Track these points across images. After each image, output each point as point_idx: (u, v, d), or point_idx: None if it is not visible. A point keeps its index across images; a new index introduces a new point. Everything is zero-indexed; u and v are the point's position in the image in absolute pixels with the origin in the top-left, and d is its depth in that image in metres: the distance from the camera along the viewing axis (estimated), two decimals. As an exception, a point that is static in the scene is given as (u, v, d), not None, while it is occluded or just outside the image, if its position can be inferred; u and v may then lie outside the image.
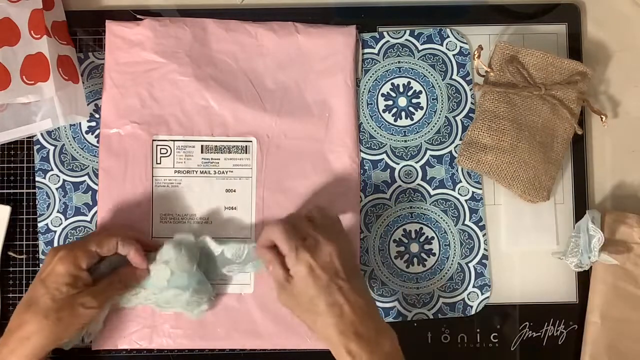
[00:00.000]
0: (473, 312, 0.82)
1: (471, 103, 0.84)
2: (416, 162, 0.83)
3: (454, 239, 0.83)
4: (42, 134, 0.82)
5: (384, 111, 0.84)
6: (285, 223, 0.73)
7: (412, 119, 0.84)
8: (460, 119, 0.84)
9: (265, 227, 0.74)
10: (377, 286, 0.82)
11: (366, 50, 0.84)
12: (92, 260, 0.74)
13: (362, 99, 0.84)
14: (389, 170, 0.83)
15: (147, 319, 0.81)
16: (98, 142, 0.82)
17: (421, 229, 0.83)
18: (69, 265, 0.72)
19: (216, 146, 0.82)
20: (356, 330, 0.68)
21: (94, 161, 0.82)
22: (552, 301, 0.82)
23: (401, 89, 0.84)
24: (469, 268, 0.82)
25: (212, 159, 0.82)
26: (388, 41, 0.84)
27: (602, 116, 0.82)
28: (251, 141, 0.83)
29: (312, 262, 0.70)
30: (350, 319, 0.69)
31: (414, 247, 0.83)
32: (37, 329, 0.71)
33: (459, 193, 0.83)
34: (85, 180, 0.82)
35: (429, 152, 0.83)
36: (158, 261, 0.77)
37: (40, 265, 0.81)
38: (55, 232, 0.82)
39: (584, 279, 0.82)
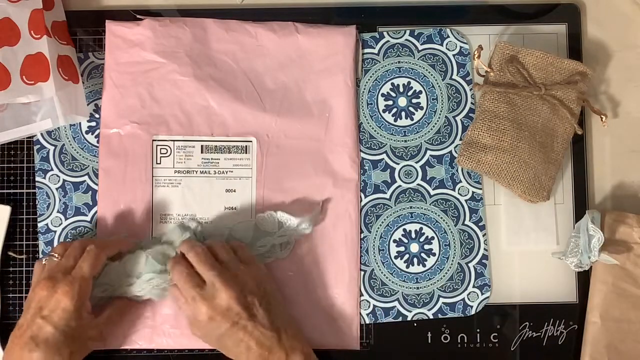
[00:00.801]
0: (473, 312, 0.82)
1: (471, 103, 0.84)
2: (416, 162, 0.83)
3: (454, 239, 0.83)
4: (42, 134, 0.82)
5: (384, 111, 0.84)
6: (184, 267, 0.74)
7: (412, 119, 0.84)
8: (460, 119, 0.84)
9: (169, 261, 0.76)
10: (377, 286, 0.82)
11: (366, 50, 0.84)
12: (90, 286, 0.74)
13: (362, 99, 0.84)
14: (389, 170, 0.83)
15: (147, 319, 0.81)
16: (98, 142, 0.82)
17: (421, 229, 0.83)
18: (76, 300, 0.71)
19: (216, 146, 0.82)
20: (265, 358, 0.72)
21: (94, 161, 0.82)
22: (552, 301, 0.82)
23: (401, 89, 0.84)
24: (469, 268, 0.82)
25: (212, 159, 0.82)
26: (388, 41, 0.84)
27: (602, 116, 0.82)
28: (251, 141, 0.83)
29: (210, 312, 0.73)
30: (257, 352, 0.72)
31: (414, 247, 0.83)
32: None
33: (459, 193, 0.83)
34: (85, 180, 0.82)
35: (429, 152, 0.83)
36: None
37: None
38: (55, 232, 0.82)
39: (584, 279, 0.82)
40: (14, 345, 0.71)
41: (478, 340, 0.82)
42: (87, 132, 0.83)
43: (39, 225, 0.82)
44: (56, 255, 0.75)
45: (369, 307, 0.82)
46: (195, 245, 0.76)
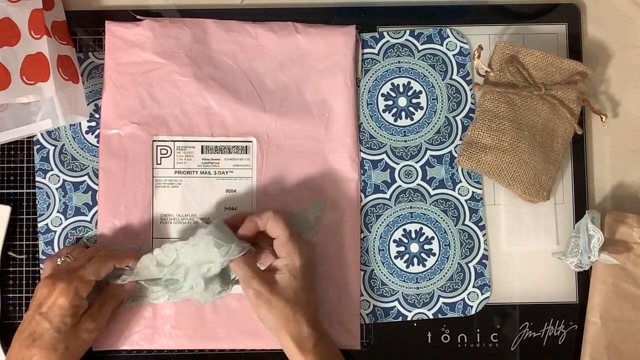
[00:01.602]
0: (473, 312, 0.82)
1: (471, 103, 0.84)
2: (416, 162, 0.83)
3: (454, 239, 0.83)
4: (42, 134, 0.82)
5: (384, 111, 0.84)
6: (278, 213, 0.76)
7: (412, 119, 0.84)
8: (460, 119, 0.84)
9: (251, 216, 0.76)
10: (377, 286, 0.82)
11: (366, 50, 0.84)
12: (90, 288, 0.74)
13: (362, 99, 0.84)
14: (389, 170, 0.83)
15: (148, 319, 0.81)
16: (98, 142, 0.82)
17: (421, 229, 0.83)
18: (72, 297, 0.72)
19: (216, 146, 0.82)
20: (317, 323, 0.76)
21: (94, 161, 0.82)
22: (552, 301, 0.82)
23: (401, 89, 0.84)
24: (469, 268, 0.82)
25: (212, 159, 0.82)
26: (388, 41, 0.84)
27: (602, 116, 0.82)
28: (251, 141, 0.83)
29: (310, 255, 0.76)
30: (313, 314, 0.76)
31: (414, 247, 0.83)
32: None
33: (459, 193, 0.83)
34: (85, 180, 0.82)
35: (429, 152, 0.83)
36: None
37: (41, 265, 0.81)
38: (55, 232, 0.82)
39: (584, 279, 0.82)
40: (15, 341, 0.73)
41: (478, 340, 0.82)
42: (87, 132, 0.83)
43: (39, 225, 0.82)
44: (71, 257, 0.76)
45: (369, 307, 0.82)
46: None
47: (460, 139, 0.83)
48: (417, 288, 0.82)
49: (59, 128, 0.82)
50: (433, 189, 0.83)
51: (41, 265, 0.81)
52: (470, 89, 0.84)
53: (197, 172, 0.82)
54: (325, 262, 0.82)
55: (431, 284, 0.82)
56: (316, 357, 0.73)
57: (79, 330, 0.74)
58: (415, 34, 0.84)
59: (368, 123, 0.84)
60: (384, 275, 0.82)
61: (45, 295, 0.73)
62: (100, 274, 0.75)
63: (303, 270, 0.75)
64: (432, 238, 0.83)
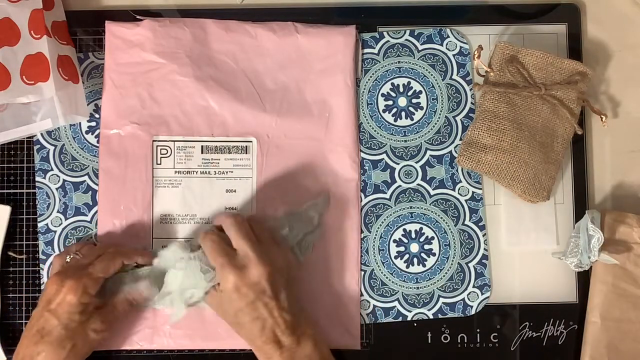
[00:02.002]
0: (473, 312, 0.82)
1: (471, 103, 0.84)
2: (416, 162, 0.83)
3: (454, 239, 0.83)
4: (42, 134, 0.82)
5: (384, 111, 0.84)
6: (215, 237, 0.74)
7: (412, 119, 0.84)
8: (460, 119, 0.84)
9: (202, 234, 0.76)
10: (377, 286, 0.82)
11: (366, 50, 0.84)
12: (99, 285, 0.74)
13: (362, 99, 0.84)
14: (389, 170, 0.83)
15: (148, 319, 0.81)
16: (98, 142, 0.82)
17: (421, 229, 0.83)
18: (80, 295, 0.72)
19: (216, 146, 0.82)
20: (277, 340, 0.73)
21: (94, 161, 0.82)
22: (552, 301, 0.82)
23: (401, 89, 0.84)
24: (469, 268, 0.82)
25: (212, 159, 0.82)
26: (388, 41, 0.84)
27: (602, 116, 0.82)
28: (251, 141, 0.83)
29: (237, 281, 0.72)
30: (271, 332, 0.73)
31: (414, 247, 0.83)
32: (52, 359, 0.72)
33: (459, 193, 0.83)
34: (85, 180, 0.82)
35: (429, 152, 0.83)
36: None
37: (41, 265, 0.81)
38: (55, 232, 0.82)
39: (584, 279, 0.82)
40: (23, 337, 0.73)
41: (478, 340, 0.82)
42: (87, 132, 0.83)
43: (39, 225, 0.82)
44: (80, 254, 0.77)
45: (369, 307, 0.82)
46: (235, 214, 0.76)
47: (460, 139, 0.83)
48: (417, 288, 0.82)
49: (59, 128, 0.82)
50: (433, 189, 0.83)
51: (41, 265, 0.81)
52: (470, 89, 0.84)
53: (197, 172, 0.82)
54: (326, 262, 0.81)
55: (431, 284, 0.82)
56: None
57: (87, 329, 0.73)
58: (415, 34, 0.84)
59: (368, 123, 0.84)
60: (384, 275, 0.82)
61: (54, 292, 0.73)
62: (109, 271, 0.75)
63: (238, 293, 0.72)
64: (432, 238, 0.83)
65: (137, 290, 0.76)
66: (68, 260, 0.76)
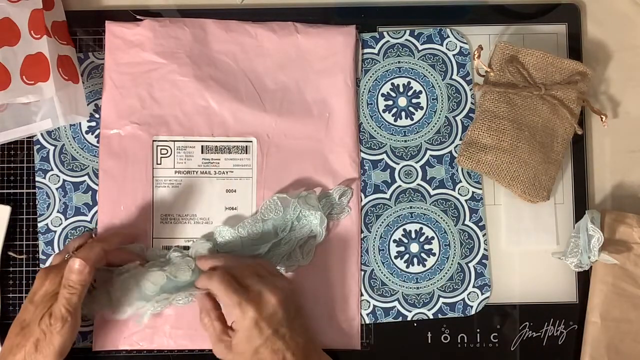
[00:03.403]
0: (473, 312, 0.82)
1: (471, 103, 0.84)
2: (416, 162, 0.83)
3: (454, 239, 0.83)
4: (42, 134, 0.82)
5: (384, 111, 0.84)
6: (224, 274, 0.73)
7: (412, 119, 0.84)
8: (460, 119, 0.84)
9: (202, 275, 0.75)
10: (377, 286, 0.82)
11: (366, 50, 0.84)
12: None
13: (362, 99, 0.84)
14: (389, 170, 0.83)
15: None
16: (98, 142, 0.82)
17: (421, 229, 0.83)
18: (57, 286, 0.72)
19: (216, 146, 0.82)
20: None
21: (94, 161, 0.82)
22: (552, 301, 0.82)
23: (401, 89, 0.84)
24: (469, 268, 0.82)
25: (212, 159, 0.82)
26: (388, 41, 0.84)
27: (602, 116, 0.82)
28: (251, 141, 0.83)
29: (256, 316, 0.70)
30: None
31: (414, 247, 0.83)
32: (27, 352, 0.71)
33: (459, 193, 0.83)
34: (85, 180, 0.82)
35: (429, 152, 0.83)
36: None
37: (41, 265, 0.81)
38: (55, 232, 0.82)
39: (584, 279, 0.82)
40: (9, 330, 0.73)
41: (478, 340, 0.82)
42: (87, 132, 0.83)
43: (39, 225, 0.82)
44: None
45: (369, 307, 0.82)
46: (234, 258, 0.76)
47: (460, 139, 0.83)
48: (417, 288, 0.82)
49: (59, 128, 0.82)
50: (433, 189, 0.83)
51: (41, 265, 0.81)
52: (470, 89, 0.84)
53: (197, 172, 0.82)
54: (326, 262, 0.81)
55: (431, 284, 0.82)
56: None
57: (41, 324, 0.71)
58: (415, 34, 0.84)
59: (368, 123, 0.84)
60: (384, 275, 0.82)
61: (38, 285, 0.73)
62: (89, 260, 0.72)
63: (255, 331, 0.71)
64: (432, 238, 0.83)
65: (71, 269, 0.71)
66: (66, 258, 0.76)
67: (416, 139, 0.83)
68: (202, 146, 0.82)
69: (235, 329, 0.72)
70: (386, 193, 0.83)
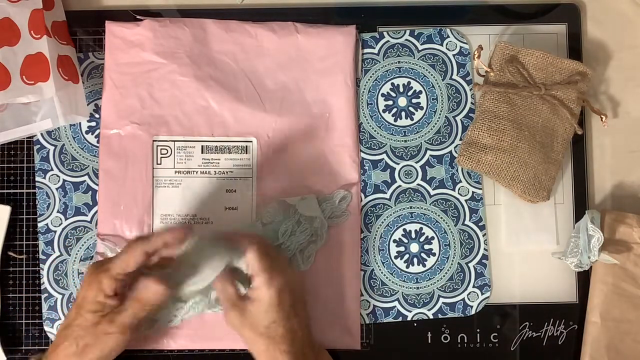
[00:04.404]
0: (473, 312, 0.82)
1: (471, 103, 0.84)
2: (416, 162, 0.83)
3: (454, 239, 0.83)
4: (42, 134, 0.82)
5: (384, 111, 0.84)
6: (266, 243, 0.74)
7: (412, 119, 0.84)
8: (460, 119, 0.84)
9: (244, 236, 0.75)
10: (377, 286, 0.82)
11: (366, 50, 0.84)
12: (116, 284, 0.71)
13: (362, 99, 0.84)
14: (389, 170, 0.83)
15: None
16: (98, 142, 0.82)
17: (421, 229, 0.83)
18: (95, 293, 0.70)
19: (216, 146, 0.82)
20: (305, 356, 0.73)
21: (94, 161, 0.82)
22: (552, 301, 0.82)
23: (401, 89, 0.84)
24: (469, 268, 0.82)
25: (212, 159, 0.82)
26: (388, 41, 0.84)
27: (602, 116, 0.82)
28: (251, 141, 0.83)
29: (282, 287, 0.71)
30: (300, 345, 0.72)
31: (414, 247, 0.83)
32: (67, 354, 0.71)
33: (459, 193, 0.83)
34: (85, 180, 0.82)
35: (429, 152, 0.83)
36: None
37: (41, 265, 0.81)
38: (55, 232, 0.82)
39: (584, 279, 0.82)
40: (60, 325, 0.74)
41: (478, 340, 0.82)
42: (87, 132, 0.83)
43: (39, 225, 0.82)
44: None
45: (369, 307, 0.82)
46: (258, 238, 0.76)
47: (460, 139, 0.83)
48: (417, 288, 0.82)
49: (59, 128, 0.82)
50: (433, 189, 0.83)
51: (41, 265, 0.81)
52: (470, 89, 0.84)
53: (197, 172, 0.82)
54: (326, 262, 0.81)
55: (431, 284, 0.82)
56: None
57: (98, 330, 0.70)
58: (415, 34, 0.84)
59: (368, 123, 0.84)
60: (384, 275, 0.82)
61: (82, 286, 0.72)
62: (129, 265, 0.70)
63: (275, 304, 0.71)
64: (432, 238, 0.83)
65: (148, 290, 0.70)
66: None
67: (416, 139, 0.83)
68: (202, 146, 0.82)
69: (256, 298, 0.71)
70: (386, 193, 0.83)
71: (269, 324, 0.71)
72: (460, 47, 0.84)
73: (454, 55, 0.84)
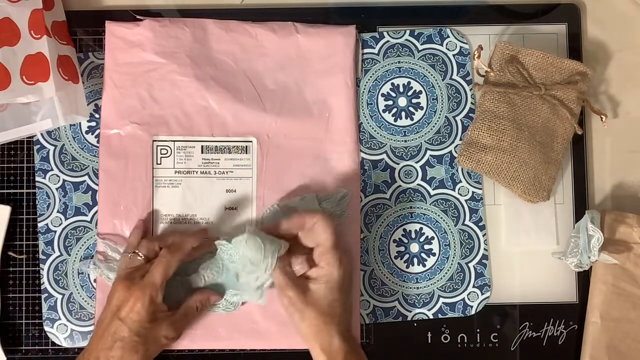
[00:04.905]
0: (473, 312, 0.82)
1: (471, 103, 0.84)
2: (416, 162, 0.83)
3: (454, 239, 0.83)
4: (42, 134, 0.82)
5: (384, 111, 0.84)
6: (330, 217, 0.77)
7: (412, 119, 0.84)
8: (460, 119, 0.84)
9: (306, 215, 0.76)
10: (377, 286, 0.82)
11: (366, 50, 0.84)
12: (162, 290, 0.75)
13: (362, 99, 0.84)
14: (389, 170, 0.83)
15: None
16: (98, 142, 0.82)
17: (421, 229, 0.83)
18: (147, 305, 0.73)
19: (216, 146, 0.82)
20: (350, 339, 0.75)
21: (94, 161, 0.82)
22: (552, 301, 0.82)
23: (401, 89, 0.84)
24: (469, 268, 0.82)
25: (212, 159, 0.82)
26: (388, 41, 0.84)
27: (602, 116, 0.82)
28: (251, 141, 0.83)
29: (348, 266, 0.76)
30: (347, 327, 0.75)
31: (414, 247, 0.83)
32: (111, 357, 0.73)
33: (459, 193, 0.83)
34: (85, 180, 0.82)
35: (429, 152, 0.83)
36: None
37: (41, 265, 0.81)
38: (55, 232, 0.82)
39: (584, 279, 0.82)
40: (94, 337, 0.74)
41: (478, 340, 0.82)
42: (87, 132, 0.83)
43: (39, 225, 0.82)
44: (141, 254, 0.77)
45: (369, 307, 0.82)
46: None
47: (460, 139, 0.83)
48: (417, 288, 0.82)
49: (59, 128, 0.82)
50: (433, 189, 0.83)
51: (41, 265, 0.81)
52: (470, 89, 0.84)
53: (197, 172, 0.82)
54: (325, 262, 0.82)
55: (431, 284, 0.82)
56: None
57: (158, 335, 0.75)
58: (415, 34, 0.84)
59: (368, 123, 0.84)
60: (384, 275, 0.82)
61: (122, 299, 0.74)
62: (168, 274, 0.75)
63: (341, 283, 0.74)
64: (432, 238, 0.83)
65: (203, 295, 0.78)
66: (130, 257, 0.77)
67: (416, 139, 0.83)
68: (202, 146, 0.82)
69: (323, 275, 0.74)
70: (386, 193, 0.83)
71: (332, 302, 0.74)
72: (460, 47, 0.84)
73: (454, 55, 0.84)
